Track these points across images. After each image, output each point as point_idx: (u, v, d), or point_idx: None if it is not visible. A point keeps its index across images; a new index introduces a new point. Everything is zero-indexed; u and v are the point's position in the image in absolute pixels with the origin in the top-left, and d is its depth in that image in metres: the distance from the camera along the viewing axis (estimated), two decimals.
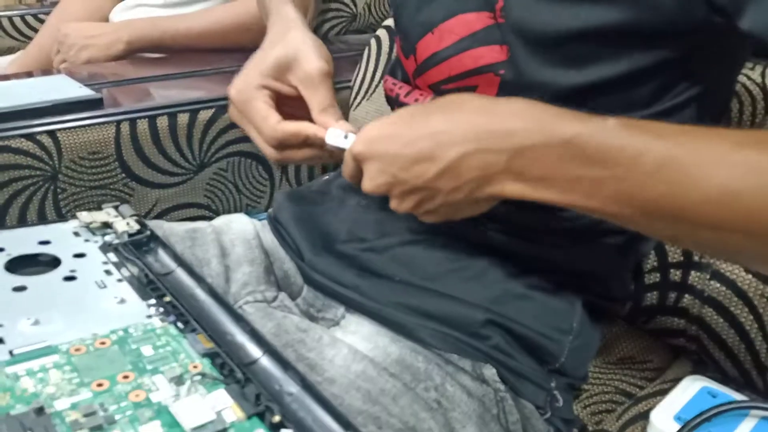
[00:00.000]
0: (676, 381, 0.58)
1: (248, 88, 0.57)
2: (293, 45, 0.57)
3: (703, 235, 0.40)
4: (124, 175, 0.86)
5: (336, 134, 0.53)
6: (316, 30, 1.35)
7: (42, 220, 0.82)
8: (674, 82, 0.51)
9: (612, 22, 0.47)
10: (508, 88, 0.53)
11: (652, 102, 0.51)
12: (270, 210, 0.71)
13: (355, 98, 1.00)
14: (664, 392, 0.57)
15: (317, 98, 0.55)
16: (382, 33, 1.01)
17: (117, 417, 0.36)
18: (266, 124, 0.56)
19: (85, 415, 0.36)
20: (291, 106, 0.58)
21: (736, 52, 0.54)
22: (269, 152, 0.57)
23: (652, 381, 0.67)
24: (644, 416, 0.57)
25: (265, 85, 0.57)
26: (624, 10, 0.47)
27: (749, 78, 0.63)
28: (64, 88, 0.88)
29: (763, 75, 0.62)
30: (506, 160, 0.44)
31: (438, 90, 0.59)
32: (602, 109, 0.51)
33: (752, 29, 0.42)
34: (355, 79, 1.01)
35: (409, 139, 0.47)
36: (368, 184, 0.50)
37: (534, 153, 0.43)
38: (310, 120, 0.56)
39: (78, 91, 0.87)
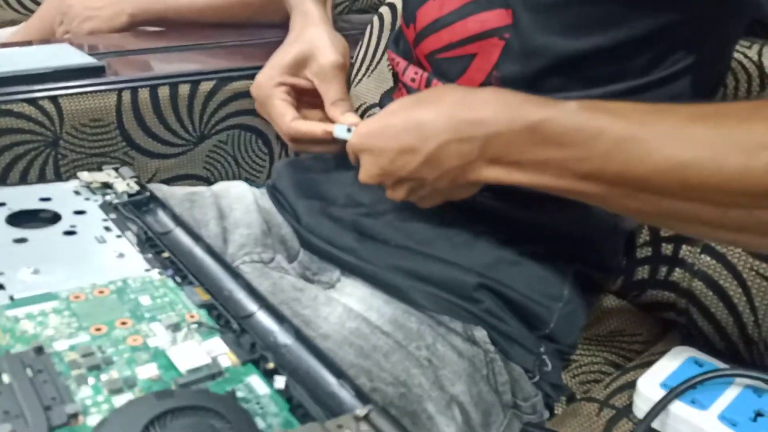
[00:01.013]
0: (664, 353, 0.60)
1: (267, 85, 0.62)
2: (309, 41, 0.62)
3: (663, 206, 0.42)
4: (124, 143, 0.87)
5: (341, 128, 0.57)
6: None
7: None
8: (670, 51, 0.51)
9: None
10: (510, 53, 0.54)
11: (648, 70, 0.52)
12: (269, 181, 0.71)
13: (356, 74, 1.01)
14: (652, 363, 0.58)
15: (330, 91, 0.60)
16: (384, 10, 1.02)
17: (114, 359, 0.37)
18: (282, 121, 0.60)
19: (84, 356, 0.36)
20: (310, 98, 0.63)
21: (732, 24, 0.55)
22: (288, 143, 0.62)
23: (640, 354, 0.68)
24: (631, 385, 0.58)
25: (282, 81, 0.61)
26: None
27: (746, 56, 0.64)
28: (66, 55, 0.89)
29: (759, 53, 0.63)
30: (479, 147, 0.46)
31: (433, 61, 0.60)
32: (599, 76, 0.52)
33: None
34: (357, 55, 1.02)
35: (395, 132, 0.50)
36: (363, 175, 0.53)
37: (504, 139, 0.46)
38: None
39: (80, 58, 0.87)
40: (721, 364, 0.57)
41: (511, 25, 0.53)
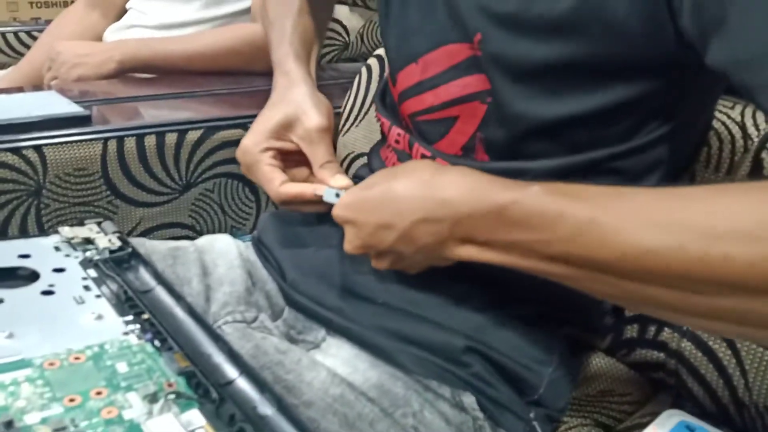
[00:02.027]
0: (654, 415, 0.58)
1: (253, 151, 0.62)
2: (293, 104, 0.63)
3: (629, 289, 0.42)
4: (109, 192, 0.86)
5: (330, 193, 0.58)
6: None
7: (23, 234, 0.81)
8: (651, 117, 0.52)
9: (584, 54, 0.49)
10: (492, 117, 0.54)
11: (629, 136, 0.52)
12: (254, 232, 0.71)
13: (344, 124, 1.01)
14: (642, 426, 0.57)
15: (316, 154, 0.61)
16: (372, 62, 1.03)
17: None
18: (270, 186, 0.61)
19: (56, 430, 0.35)
20: (296, 159, 0.63)
21: (712, 87, 0.56)
22: (278, 204, 0.63)
23: (631, 415, 0.67)
24: None
25: (268, 146, 0.62)
26: (595, 42, 0.48)
27: (728, 116, 0.64)
28: (52, 103, 0.88)
29: (742, 114, 0.64)
30: (449, 227, 0.47)
31: (415, 123, 0.61)
32: (581, 142, 0.52)
33: (714, 64, 0.43)
34: (345, 106, 1.02)
35: (372, 206, 0.51)
36: (347, 245, 0.54)
37: (471, 220, 0.46)
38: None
39: (66, 107, 0.87)
40: (712, 430, 0.56)
41: (491, 89, 0.54)
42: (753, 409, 0.60)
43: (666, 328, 0.65)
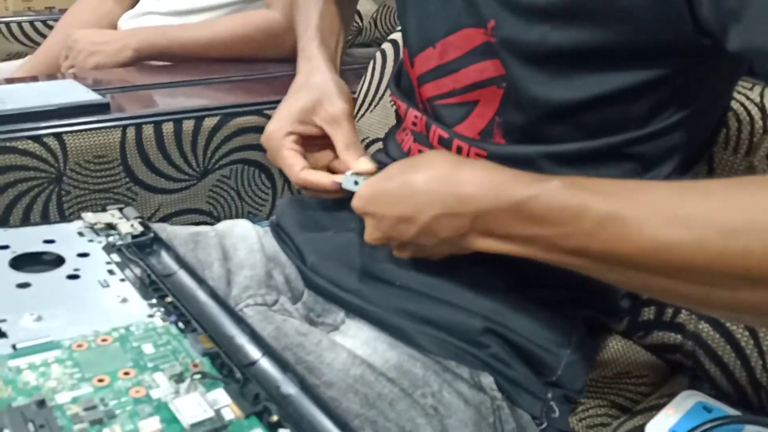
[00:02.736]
0: (671, 396, 0.59)
1: (276, 136, 0.64)
2: (315, 89, 0.64)
3: (650, 282, 0.42)
4: (128, 179, 0.87)
5: (348, 180, 0.58)
6: None
7: (46, 220, 0.82)
8: (668, 102, 0.52)
9: (598, 40, 0.48)
10: (509, 103, 0.54)
11: (647, 120, 0.52)
12: (272, 217, 0.71)
13: (359, 109, 1.01)
14: (659, 407, 0.58)
15: (340, 137, 0.62)
16: (387, 47, 1.02)
17: (117, 412, 0.36)
18: (292, 171, 0.62)
19: (86, 409, 0.36)
20: (319, 143, 0.64)
21: (731, 73, 0.55)
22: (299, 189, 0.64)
23: (647, 396, 0.67)
24: (639, 430, 0.57)
25: (291, 131, 0.63)
26: (609, 28, 0.48)
27: (748, 98, 0.64)
28: (71, 91, 0.89)
29: (761, 95, 0.63)
30: (469, 222, 0.47)
31: (434, 107, 0.61)
32: (597, 127, 0.52)
33: (738, 50, 0.43)
34: (360, 91, 1.02)
35: (392, 199, 0.51)
36: (367, 237, 0.54)
37: (491, 216, 0.46)
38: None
39: (85, 95, 0.88)
40: (729, 410, 0.56)
41: (505, 75, 0.54)
42: None
43: (683, 310, 0.65)
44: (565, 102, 0.51)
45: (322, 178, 0.60)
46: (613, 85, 0.50)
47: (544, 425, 0.54)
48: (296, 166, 0.61)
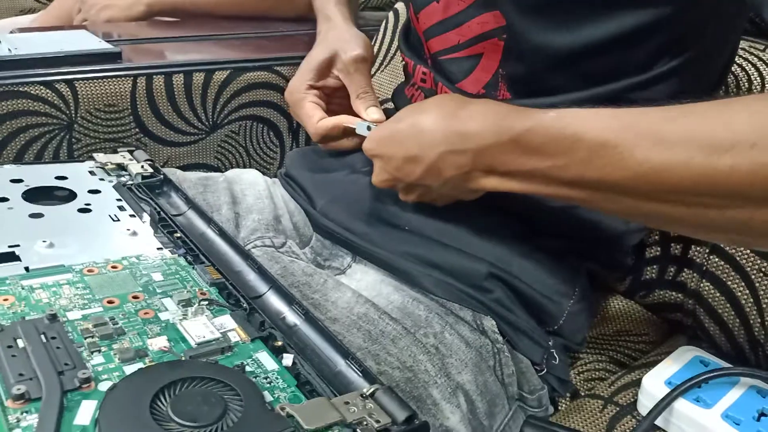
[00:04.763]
0: (669, 353, 0.59)
1: (298, 89, 0.66)
2: (333, 41, 0.66)
3: (645, 208, 0.42)
4: (137, 129, 0.88)
5: (362, 126, 0.60)
6: None
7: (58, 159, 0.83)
8: (669, 45, 0.52)
9: None
10: (511, 53, 0.55)
11: (648, 65, 0.52)
12: (281, 169, 0.72)
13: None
14: (657, 362, 0.58)
15: (353, 84, 0.64)
16: (400, 6, 1.02)
17: (126, 330, 0.37)
18: (310, 122, 0.64)
19: (96, 325, 0.37)
20: (340, 97, 0.66)
21: (734, 16, 0.55)
22: (319, 144, 0.67)
23: (646, 353, 0.68)
24: (636, 383, 0.58)
25: (311, 85, 0.66)
26: None
27: (760, 59, 0.64)
28: (83, 40, 0.89)
29: None
30: (472, 159, 0.48)
31: (439, 61, 0.61)
32: (600, 73, 0.52)
33: None
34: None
35: (400, 138, 0.52)
36: (375, 179, 0.55)
37: (493, 151, 0.47)
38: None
39: (97, 44, 0.88)
40: (726, 365, 0.57)
41: (505, 26, 0.54)
42: None
43: (686, 269, 0.65)
44: (565, 49, 0.52)
45: (340, 119, 0.62)
46: (611, 30, 0.50)
47: (543, 371, 0.55)
48: (314, 117, 0.63)
